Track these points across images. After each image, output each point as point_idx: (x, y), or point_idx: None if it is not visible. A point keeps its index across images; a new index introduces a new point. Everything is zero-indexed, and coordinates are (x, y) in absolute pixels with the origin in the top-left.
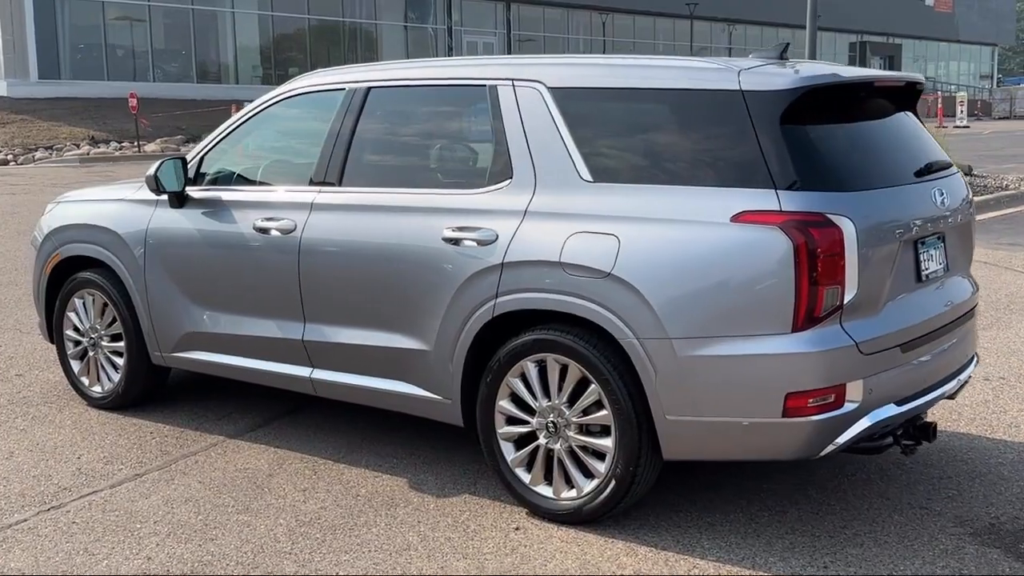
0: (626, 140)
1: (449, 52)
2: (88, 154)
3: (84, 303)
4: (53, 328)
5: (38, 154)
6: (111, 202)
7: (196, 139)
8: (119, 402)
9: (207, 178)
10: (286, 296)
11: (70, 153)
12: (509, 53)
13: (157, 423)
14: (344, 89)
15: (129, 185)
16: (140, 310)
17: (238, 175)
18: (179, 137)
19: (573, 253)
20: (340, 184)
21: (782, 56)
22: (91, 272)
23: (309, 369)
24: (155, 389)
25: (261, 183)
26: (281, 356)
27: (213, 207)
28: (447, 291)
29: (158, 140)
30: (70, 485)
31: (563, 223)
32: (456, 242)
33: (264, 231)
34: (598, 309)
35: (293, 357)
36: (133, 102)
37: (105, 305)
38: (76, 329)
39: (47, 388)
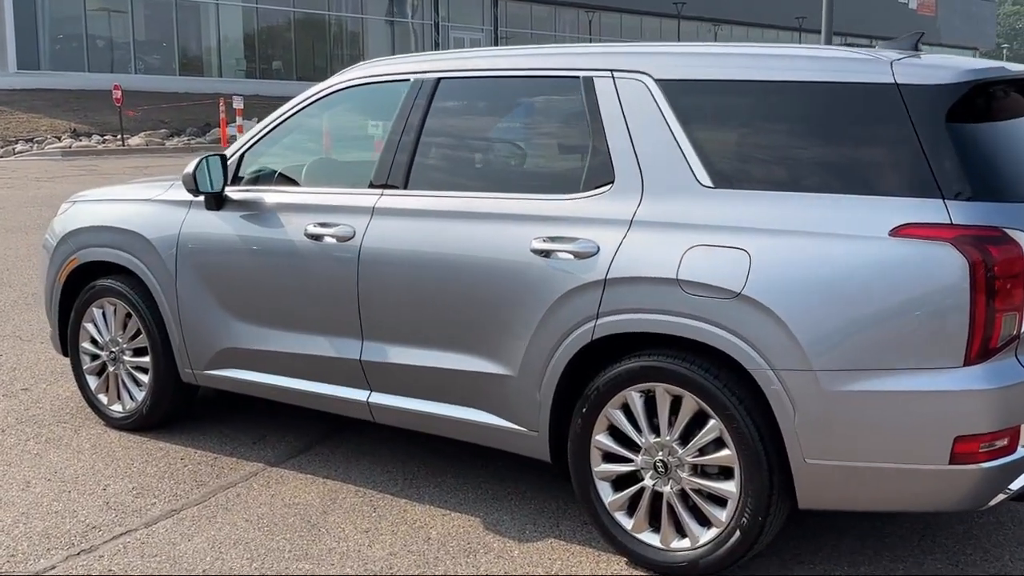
0: (753, 141)
1: (436, 47)
2: (70, 147)
3: (104, 313)
4: (67, 340)
5: (18, 147)
6: (137, 202)
7: (180, 133)
8: (142, 423)
9: (247, 178)
10: (341, 310)
11: (51, 146)
12: None
13: (186, 447)
14: (409, 80)
15: (155, 184)
16: (169, 322)
17: (283, 175)
18: (163, 131)
19: (693, 269)
20: (406, 187)
21: (916, 47)
22: (113, 279)
23: (366, 392)
24: (182, 409)
25: (311, 184)
26: (334, 377)
27: (256, 210)
28: (536, 309)
29: (142, 133)
30: (99, 523)
31: (679, 234)
32: (547, 254)
33: (316, 238)
34: (724, 334)
35: (348, 379)
36: (118, 94)
37: (128, 316)
38: (94, 342)
39: (58, 405)
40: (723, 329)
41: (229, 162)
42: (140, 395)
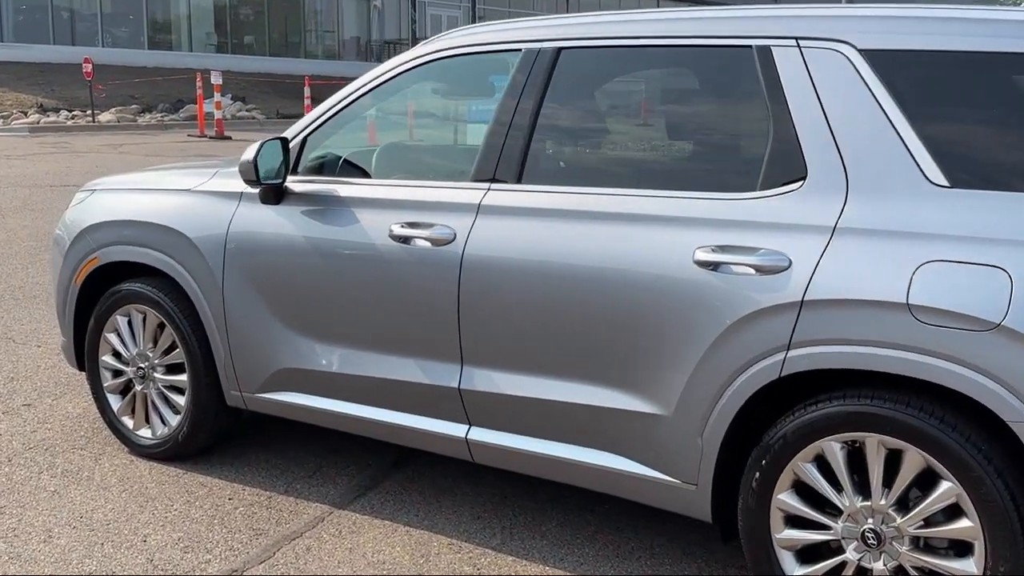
0: (1009, 131)
1: (413, 24)
2: (38, 123)
3: (130, 322)
4: (84, 352)
5: None
6: (173, 193)
7: (151, 109)
8: (177, 451)
9: (309, 166)
10: (437, 328)
11: (18, 122)
12: None
13: (231, 483)
14: (520, 51)
15: (193, 171)
16: (214, 336)
17: (349, 163)
18: (134, 107)
19: (931, 292)
20: (519, 180)
21: None
22: (142, 283)
23: (464, 427)
24: (224, 437)
25: (384, 175)
26: (424, 408)
27: (325, 205)
28: (702, 336)
29: (112, 109)
30: None
31: (907, 246)
32: (716, 267)
33: (404, 240)
34: (974, 376)
35: (442, 410)
36: (88, 68)
37: (160, 327)
38: (116, 355)
39: (69, 425)
40: (973, 370)
41: (290, 146)
42: (174, 419)
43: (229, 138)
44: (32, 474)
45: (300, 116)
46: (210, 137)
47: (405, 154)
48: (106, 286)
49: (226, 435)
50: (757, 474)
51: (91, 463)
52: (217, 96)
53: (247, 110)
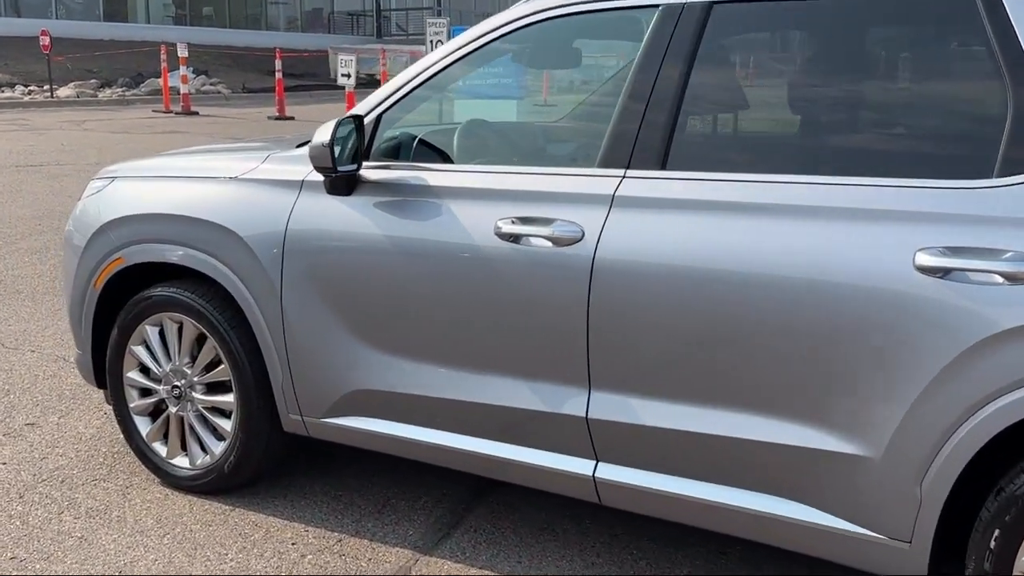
0: None
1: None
2: None
3: (162, 333)
4: (106, 367)
5: None
6: (216, 181)
7: (111, 83)
8: (221, 484)
9: (385, 149)
10: (558, 345)
11: None
12: (441, 9)
13: (289, 520)
14: (658, 6)
15: (237, 155)
16: (270, 352)
17: (433, 146)
18: (93, 81)
19: None
20: (663, 166)
21: None
22: (178, 288)
23: (591, 463)
24: (276, 467)
25: (479, 160)
26: (539, 439)
27: (408, 196)
28: (928, 361)
29: (71, 84)
30: None
31: None
32: (946, 273)
33: (514, 239)
34: None
35: (563, 442)
36: (45, 40)
37: (201, 339)
38: (145, 371)
39: (84, 450)
40: None
41: (364, 125)
42: (218, 447)
43: (196, 113)
44: (51, 514)
45: (267, 90)
46: (176, 113)
47: (521, 136)
48: (131, 291)
49: (277, 464)
50: (997, 531)
51: (119, 499)
52: (182, 69)
53: (211, 84)
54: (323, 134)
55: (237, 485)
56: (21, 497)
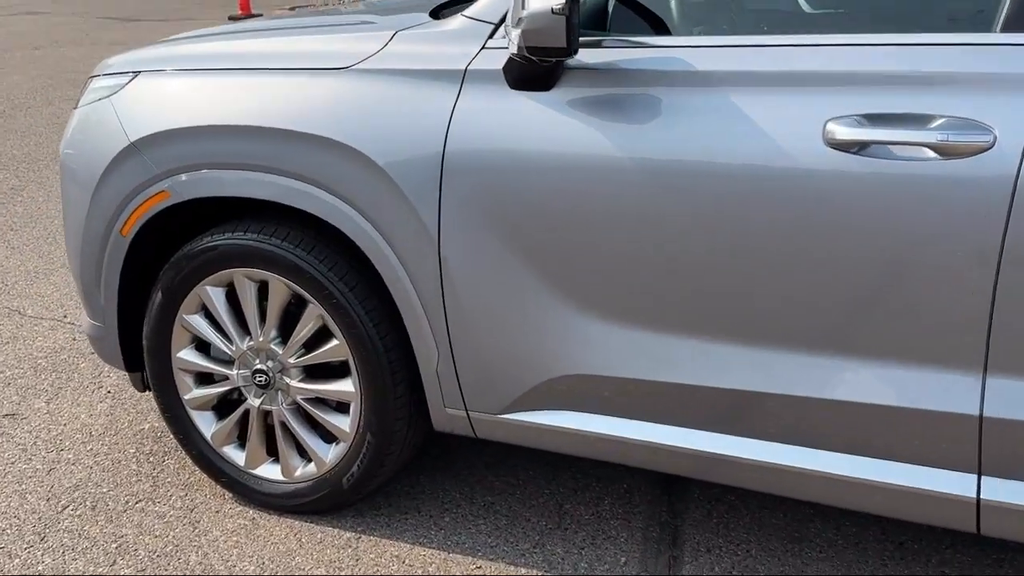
0: None
1: None
2: None
3: (230, 297)
4: (145, 345)
5: None
6: (315, 74)
7: None
8: (334, 502)
9: (603, 22)
10: (937, 308)
11: None
12: None
13: (445, 550)
14: None
15: (332, 31)
16: (417, 321)
17: (659, 15)
18: None
19: None
20: None
21: None
22: (261, 233)
23: (972, 479)
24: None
25: (782, 29)
26: (890, 444)
27: (651, 87)
28: None
29: None
30: None
31: None
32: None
33: (859, 148)
34: None
35: (932, 450)
36: None
37: (296, 303)
38: (202, 349)
39: (103, 451)
40: None
41: None
42: (329, 453)
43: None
44: (99, 565)
45: None
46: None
47: None
48: (178, 240)
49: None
50: None
51: (186, 531)
52: None
53: None
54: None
55: (351, 502)
56: (43, 540)
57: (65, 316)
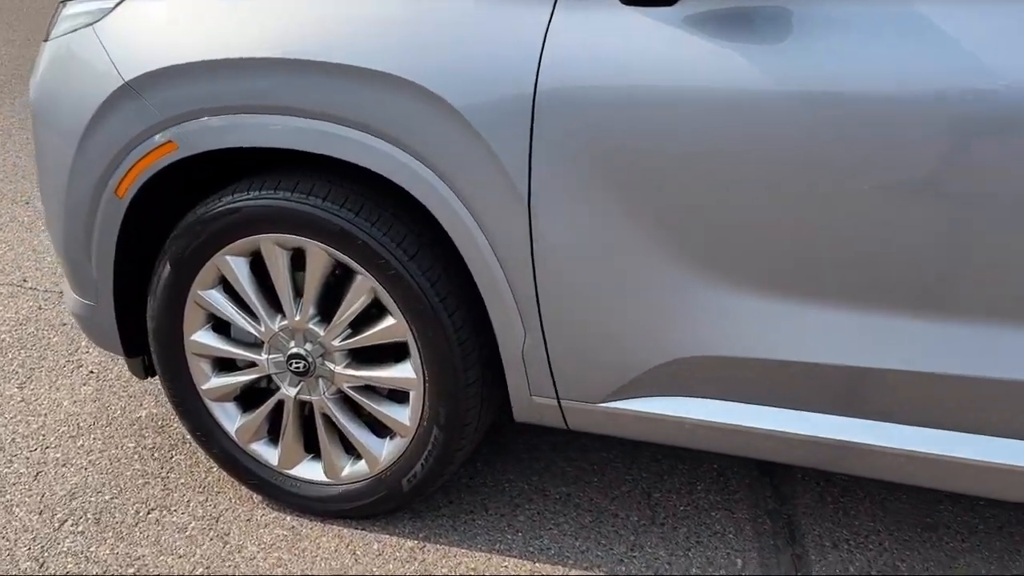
0: None
1: None
2: None
3: (255, 268)
4: (149, 327)
5: None
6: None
7: None
8: (390, 506)
9: None
10: None
11: None
12: None
13: (530, 559)
14: None
15: None
16: (499, 293)
17: None
18: None
19: None
20: None
21: None
22: (296, 192)
23: None
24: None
25: None
26: None
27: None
28: None
29: None
30: None
31: None
32: None
33: None
34: None
35: None
36: None
37: (339, 274)
38: (221, 330)
39: (99, 448)
40: None
41: None
42: (382, 449)
43: None
44: None
45: None
46: None
47: None
48: (186, 203)
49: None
50: None
51: (215, 547)
52: None
53: None
54: None
55: (404, 506)
56: (42, 566)
57: (25, 280)
